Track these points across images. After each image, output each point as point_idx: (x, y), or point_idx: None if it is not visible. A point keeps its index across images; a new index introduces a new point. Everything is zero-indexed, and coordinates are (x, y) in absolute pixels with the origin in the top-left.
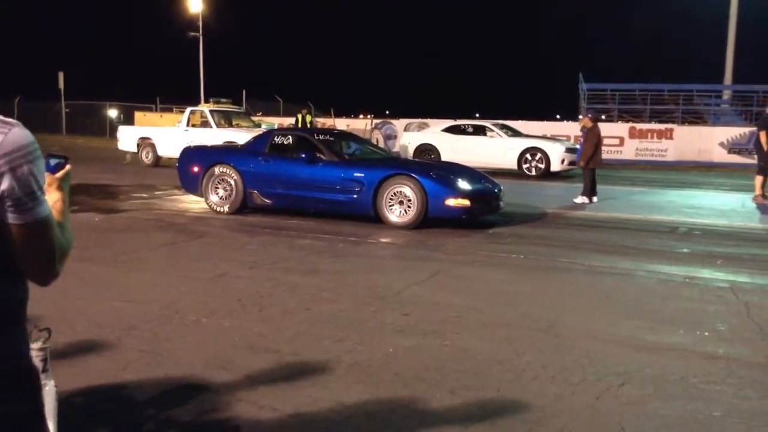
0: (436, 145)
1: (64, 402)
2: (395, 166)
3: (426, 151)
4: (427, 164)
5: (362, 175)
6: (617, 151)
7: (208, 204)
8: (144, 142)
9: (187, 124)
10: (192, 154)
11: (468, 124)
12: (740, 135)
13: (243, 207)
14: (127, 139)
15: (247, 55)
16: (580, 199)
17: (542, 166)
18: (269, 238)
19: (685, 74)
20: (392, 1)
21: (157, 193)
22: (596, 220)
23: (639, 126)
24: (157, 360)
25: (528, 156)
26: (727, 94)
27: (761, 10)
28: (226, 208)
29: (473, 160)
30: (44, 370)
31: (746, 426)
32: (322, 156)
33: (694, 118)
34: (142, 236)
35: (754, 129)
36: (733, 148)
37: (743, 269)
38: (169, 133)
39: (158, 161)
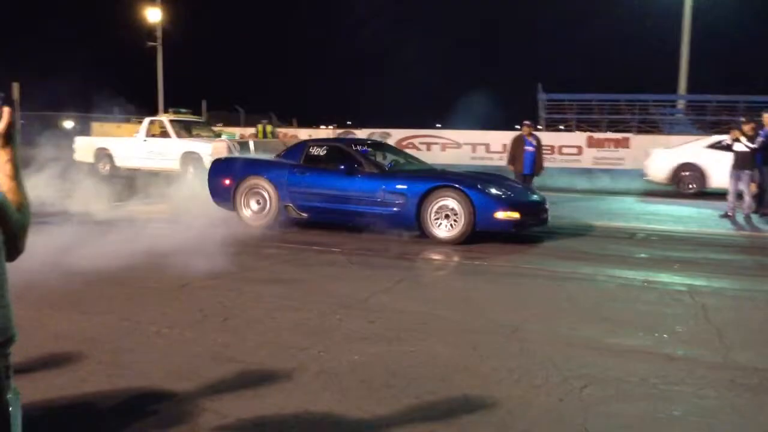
0: (703, 164)
1: (23, 416)
2: (439, 177)
3: (689, 172)
4: (471, 175)
5: (405, 187)
6: (576, 160)
7: (241, 218)
8: (101, 153)
9: (146, 134)
10: (222, 165)
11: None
12: None
13: (278, 220)
14: (83, 149)
15: (207, 65)
16: None
17: None
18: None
19: (641, 85)
20: (359, 11)
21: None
22: (557, 227)
23: (596, 135)
24: (118, 372)
25: None
26: (681, 104)
27: (714, 21)
28: (260, 223)
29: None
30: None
31: (706, 424)
32: (360, 167)
33: (650, 127)
34: (99, 246)
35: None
36: None
37: (700, 273)
38: (127, 144)
39: (116, 172)
